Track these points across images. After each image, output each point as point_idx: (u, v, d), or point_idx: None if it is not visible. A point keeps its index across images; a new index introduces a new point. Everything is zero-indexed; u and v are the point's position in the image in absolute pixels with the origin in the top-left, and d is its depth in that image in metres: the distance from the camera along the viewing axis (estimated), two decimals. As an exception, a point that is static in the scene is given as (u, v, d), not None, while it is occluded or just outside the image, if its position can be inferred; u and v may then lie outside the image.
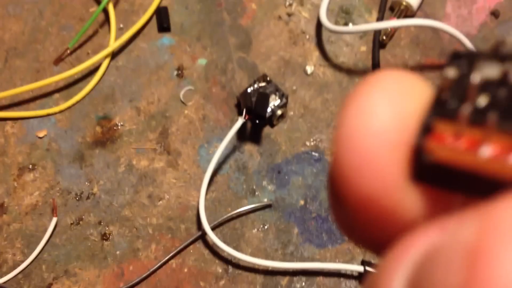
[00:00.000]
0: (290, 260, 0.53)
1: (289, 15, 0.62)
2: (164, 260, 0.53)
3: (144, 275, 0.53)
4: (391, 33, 0.59)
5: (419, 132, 0.13)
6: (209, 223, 0.53)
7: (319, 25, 0.61)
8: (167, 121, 0.58)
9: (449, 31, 0.55)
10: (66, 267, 0.53)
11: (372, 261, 0.52)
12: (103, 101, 0.60)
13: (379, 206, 0.14)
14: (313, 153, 0.57)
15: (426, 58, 0.60)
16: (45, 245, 0.54)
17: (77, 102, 0.60)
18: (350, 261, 0.53)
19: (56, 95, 0.60)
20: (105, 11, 0.63)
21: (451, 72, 0.13)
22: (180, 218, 0.55)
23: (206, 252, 0.54)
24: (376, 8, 0.61)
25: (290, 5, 0.63)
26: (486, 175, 0.12)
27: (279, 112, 0.57)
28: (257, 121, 0.56)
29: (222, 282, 0.52)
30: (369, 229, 0.14)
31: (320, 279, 0.52)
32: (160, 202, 0.55)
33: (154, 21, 0.63)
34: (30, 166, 0.57)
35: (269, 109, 0.56)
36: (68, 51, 0.62)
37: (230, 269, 0.53)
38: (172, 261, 0.53)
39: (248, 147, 0.57)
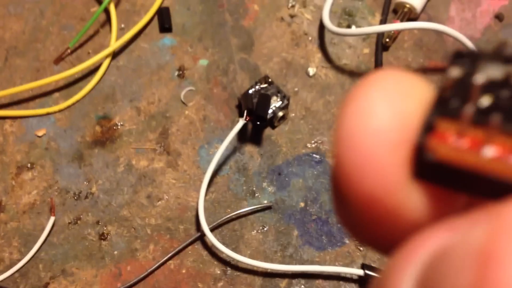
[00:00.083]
0: (290, 263, 0.52)
1: (291, 16, 0.62)
2: (162, 261, 0.52)
3: (142, 276, 0.52)
4: (394, 35, 0.59)
5: (421, 130, 0.13)
6: (208, 224, 0.52)
7: (321, 27, 0.61)
8: (167, 122, 0.58)
9: (453, 34, 0.55)
10: (63, 267, 0.53)
11: (372, 265, 0.51)
12: (103, 100, 0.59)
13: (381, 205, 0.13)
14: (314, 155, 0.56)
15: (429, 61, 0.59)
16: (42, 244, 0.53)
17: (77, 101, 0.60)
18: (350, 264, 0.52)
19: (56, 94, 0.60)
20: (107, 11, 0.63)
21: (454, 72, 0.13)
22: (179, 219, 0.54)
23: (204, 253, 0.53)
24: (379, 11, 0.61)
25: (293, 6, 0.62)
26: (488, 175, 0.12)
27: (280, 113, 0.56)
28: (258, 123, 0.56)
29: (220, 284, 0.52)
30: (373, 229, 0.14)
31: (319, 282, 0.52)
32: (159, 202, 0.55)
33: (155, 22, 0.63)
34: (29, 165, 0.57)
35: (270, 111, 0.56)
36: (69, 51, 0.62)
37: (229, 270, 0.52)
38: (170, 262, 0.53)
39: (249, 148, 0.57)
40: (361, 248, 0.52)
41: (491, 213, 0.11)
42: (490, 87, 0.13)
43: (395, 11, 0.61)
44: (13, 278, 0.53)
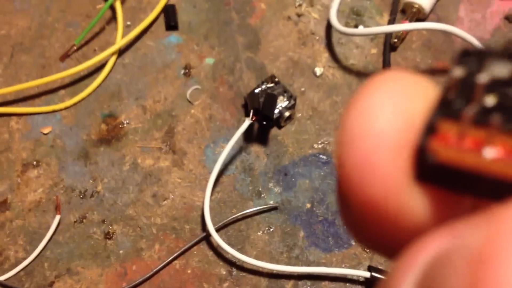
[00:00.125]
0: (296, 264, 0.52)
1: (298, 15, 0.62)
2: (167, 261, 0.52)
3: (147, 275, 0.52)
4: (402, 36, 0.59)
5: (422, 132, 0.13)
6: (214, 224, 0.52)
7: (329, 27, 0.61)
8: (173, 120, 0.58)
9: (462, 35, 0.54)
10: (68, 266, 0.53)
11: (379, 267, 0.51)
12: (109, 98, 0.59)
13: (383, 209, 0.13)
14: (321, 156, 0.56)
15: (437, 62, 0.59)
16: (47, 243, 0.53)
17: (83, 99, 0.59)
18: (356, 266, 0.52)
19: (62, 92, 0.60)
20: (112, 8, 0.63)
21: (458, 71, 0.13)
22: (184, 219, 0.54)
23: (210, 253, 0.53)
24: (387, 11, 0.61)
25: (300, 5, 0.62)
26: (490, 176, 0.12)
27: (287, 113, 0.56)
28: (264, 122, 0.55)
29: (226, 284, 0.52)
30: (376, 232, 0.14)
31: (325, 283, 0.51)
32: (165, 201, 0.55)
33: (161, 19, 0.63)
34: (34, 163, 0.57)
35: (276, 110, 0.55)
36: (75, 48, 0.61)
37: (234, 271, 0.52)
38: (176, 261, 0.53)
39: (255, 148, 0.56)
40: (367, 250, 0.52)
41: (488, 217, 0.11)
42: (496, 86, 0.12)
43: (403, 11, 0.60)
44: (18, 277, 0.52)
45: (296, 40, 0.61)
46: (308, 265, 0.52)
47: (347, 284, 0.51)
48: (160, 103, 0.59)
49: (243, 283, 0.52)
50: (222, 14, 0.62)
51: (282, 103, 0.56)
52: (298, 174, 0.55)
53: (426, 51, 0.59)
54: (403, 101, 0.13)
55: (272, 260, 0.52)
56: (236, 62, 0.60)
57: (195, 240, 0.53)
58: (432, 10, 0.60)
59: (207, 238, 0.53)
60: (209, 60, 0.60)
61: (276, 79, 0.57)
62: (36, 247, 0.53)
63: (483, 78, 0.13)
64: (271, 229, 0.53)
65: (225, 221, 0.53)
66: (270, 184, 0.55)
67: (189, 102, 0.59)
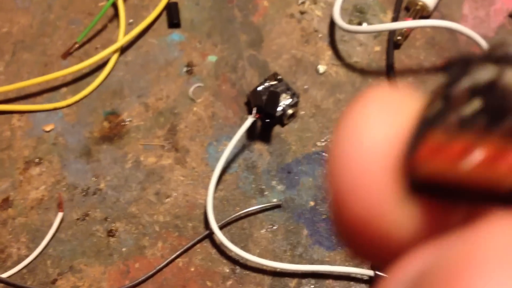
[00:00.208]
0: (299, 262, 0.52)
1: (301, 13, 0.61)
2: (170, 259, 0.52)
3: (150, 273, 0.52)
4: (406, 33, 0.58)
5: (409, 146, 0.13)
6: (217, 222, 0.52)
7: (332, 24, 0.61)
8: (175, 118, 0.58)
9: (466, 32, 0.54)
10: (71, 263, 0.53)
11: (383, 265, 0.51)
12: (111, 96, 0.59)
13: (374, 225, 0.14)
14: (324, 154, 0.56)
15: (441, 59, 0.59)
16: (50, 240, 0.53)
17: (85, 96, 0.59)
18: (360, 264, 0.52)
19: (64, 89, 0.60)
20: (115, 5, 0.63)
21: (442, 80, 0.13)
22: (187, 216, 0.54)
23: (213, 251, 0.53)
24: (391, 8, 0.61)
25: (303, 3, 0.62)
26: (478, 182, 0.12)
27: (289, 111, 0.56)
28: (267, 120, 0.55)
29: (229, 283, 0.52)
30: (368, 247, 0.14)
31: (329, 282, 0.51)
32: (168, 199, 0.54)
33: (164, 17, 0.63)
34: (37, 160, 0.56)
35: (279, 108, 0.55)
36: (77, 45, 0.61)
37: (238, 269, 0.52)
38: (179, 259, 0.53)
39: (258, 146, 0.56)
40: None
41: (465, 233, 0.12)
42: (480, 90, 0.12)
43: (407, 9, 0.60)
44: (20, 274, 0.52)
45: (299, 37, 0.60)
46: (312, 263, 0.52)
47: (351, 282, 0.51)
48: (162, 101, 0.58)
49: (246, 281, 0.52)
50: (225, 11, 0.62)
51: (285, 100, 0.56)
52: (301, 172, 0.55)
53: (430, 48, 0.59)
54: (391, 117, 0.14)
55: (275, 258, 0.52)
56: (239, 60, 0.60)
57: (198, 238, 0.53)
58: (436, 7, 0.60)
59: (210, 236, 0.53)
60: (212, 58, 0.60)
61: (279, 77, 0.57)
62: (38, 244, 0.53)
63: (465, 83, 0.13)
64: (275, 227, 0.53)
65: (228, 219, 0.53)
66: (273, 182, 0.55)
67: (192, 100, 0.58)
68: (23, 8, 0.63)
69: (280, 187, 0.55)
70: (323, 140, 0.56)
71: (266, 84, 0.56)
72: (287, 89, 0.56)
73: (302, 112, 0.57)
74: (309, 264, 0.52)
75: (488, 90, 0.12)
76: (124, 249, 0.53)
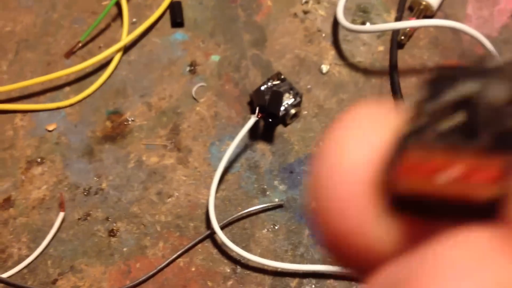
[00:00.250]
0: (300, 262, 0.52)
1: (305, 12, 0.61)
2: (171, 258, 0.52)
3: (151, 273, 0.52)
4: (409, 33, 0.58)
5: (389, 163, 0.13)
6: (219, 222, 0.52)
7: (335, 24, 0.60)
8: (178, 118, 0.57)
9: (470, 32, 0.54)
10: (72, 263, 0.52)
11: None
12: (114, 95, 0.59)
13: (354, 239, 0.14)
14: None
15: (445, 59, 0.58)
16: (51, 240, 0.53)
17: (88, 96, 0.59)
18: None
19: (67, 89, 0.60)
20: (118, 5, 0.63)
21: (423, 95, 0.13)
22: (189, 216, 0.54)
23: (214, 251, 0.53)
24: (394, 8, 0.60)
25: (307, 2, 0.62)
26: (452, 198, 0.12)
27: (292, 111, 0.55)
28: (270, 120, 0.55)
29: (230, 283, 0.51)
30: (348, 259, 0.15)
31: (330, 282, 0.51)
32: (169, 199, 0.54)
33: (167, 16, 0.63)
34: (39, 160, 0.56)
35: (282, 108, 0.55)
36: (80, 45, 0.61)
37: (239, 269, 0.52)
38: (180, 259, 0.52)
39: (260, 146, 0.56)
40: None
41: (422, 251, 0.12)
42: (461, 105, 0.12)
43: (411, 9, 0.60)
44: (21, 274, 0.52)
45: (302, 37, 0.60)
46: (313, 263, 0.52)
47: (352, 282, 0.51)
48: (165, 100, 0.58)
49: (247, 281, 0.51)
50: (228, 11, 0.62)
51: (288, 100, 0.55)
52: (303, 172, 0.55)
53: (433, 48, 0.59)
54: (372, 136, 0.14)
55: (276, 258, 0.52)
56: (242, 60, 0.60)
57: (199, 238, 0.53)
58: (439, 7, 0.60)
59: (212, 236, 0.53)
60: (215, 57, 0.60)
61: (282, 77, 0.57)
62: (39, 244, 0.53)
63: (444, 99, 0.12)
64: (276, 227, 0.53)
65: (229, 219, 0.53)
66: (276, 182, 0.55)
67: (195, 99, 0.58)
68: (26, 7, 0.63)
69: (282, 187, 0.54)
70: (325, 140, 0.56)
71: (269, 83, 0.56)
72: (290, 88, 0.56)
73: (305, 112, 0.57)
74: (311, 264, 0.51)
75: (466, 105, 0.12)
76: (125, 249, 0.53)
